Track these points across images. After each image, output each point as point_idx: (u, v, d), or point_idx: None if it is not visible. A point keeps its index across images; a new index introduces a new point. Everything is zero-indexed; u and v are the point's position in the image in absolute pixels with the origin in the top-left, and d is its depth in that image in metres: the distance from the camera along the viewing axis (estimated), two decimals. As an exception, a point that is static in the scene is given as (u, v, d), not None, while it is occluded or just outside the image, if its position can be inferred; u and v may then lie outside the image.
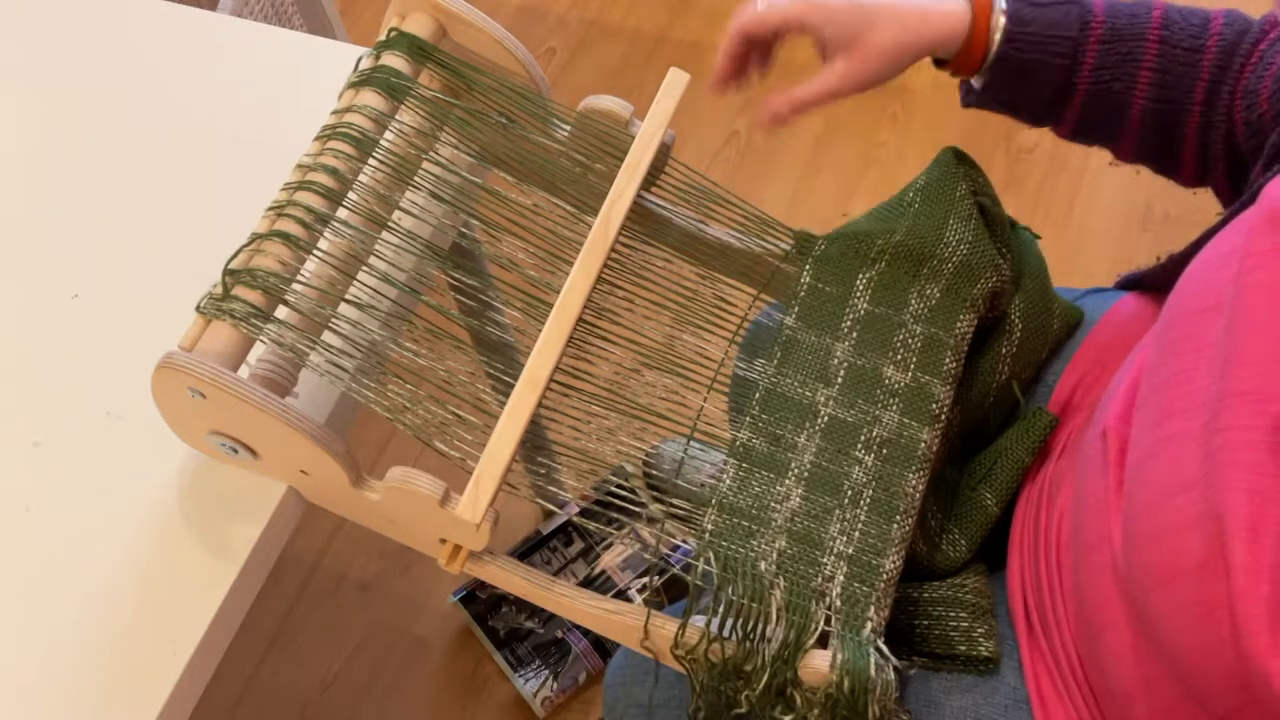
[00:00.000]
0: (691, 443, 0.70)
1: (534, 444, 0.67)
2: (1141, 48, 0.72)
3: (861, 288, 0.76)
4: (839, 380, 0.73)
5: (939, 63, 0.77)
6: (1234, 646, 0.51)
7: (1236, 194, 0.74)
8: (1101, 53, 0.73)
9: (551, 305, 0.66)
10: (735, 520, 0.67)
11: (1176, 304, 0.62)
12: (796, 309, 0.75)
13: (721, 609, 0.62)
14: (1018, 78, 0.74)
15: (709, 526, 0.67)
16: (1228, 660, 0.52)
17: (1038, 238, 0.84)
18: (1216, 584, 0.52)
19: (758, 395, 0.72)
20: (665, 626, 0.65)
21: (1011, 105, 0.77)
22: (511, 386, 0.65)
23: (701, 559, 0.65)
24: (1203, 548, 0.52)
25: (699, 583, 0.64)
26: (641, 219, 0.77)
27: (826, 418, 0.71)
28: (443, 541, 0.68)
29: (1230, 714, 0.55)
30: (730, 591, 0.64)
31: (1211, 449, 0.53)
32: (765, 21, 0.74)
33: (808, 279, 0.76)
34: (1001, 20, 0.73)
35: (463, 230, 0.76)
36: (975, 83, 0.76)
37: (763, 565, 0.65)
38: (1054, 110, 0.76)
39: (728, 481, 0.69)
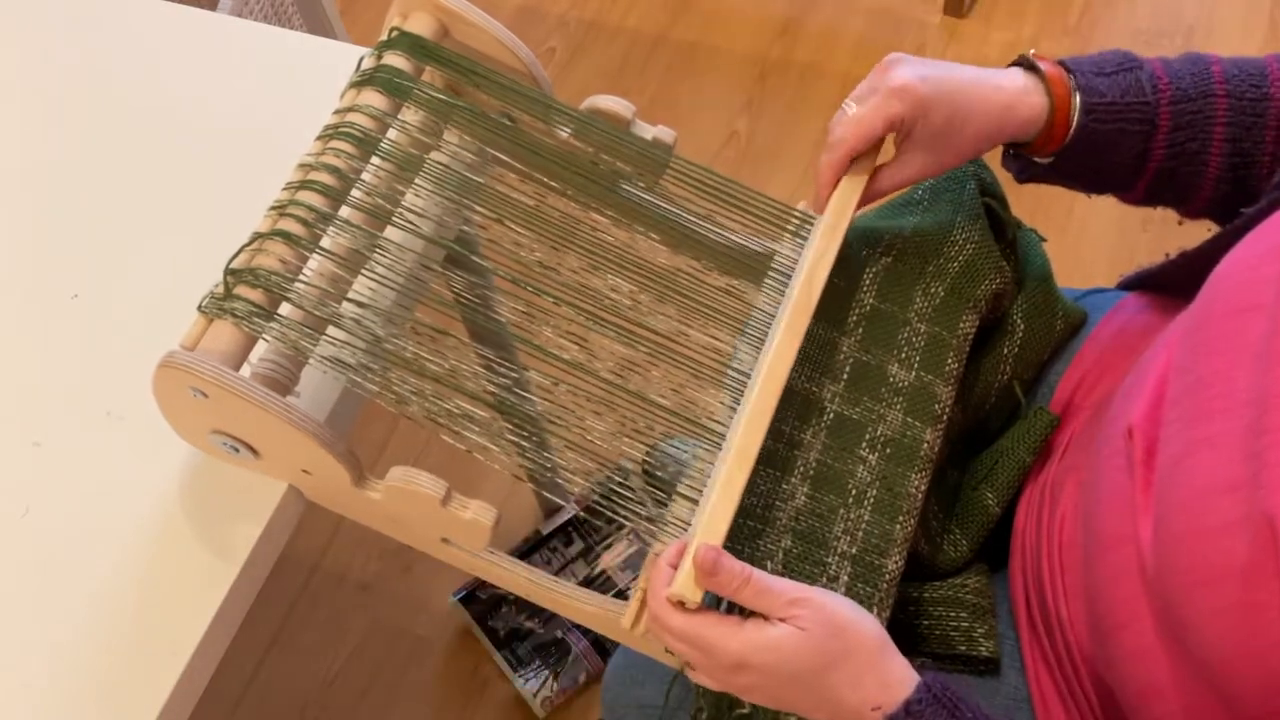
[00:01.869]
0: (692, 441, 0.69)
1: (538, 440, 0.67)
2: (1211, 105, 0.72)
3: (868, 282, 0.75)
4: (845, 376, 0.72)
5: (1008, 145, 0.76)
6: None
7: None
8: (1175, 114, 0.72)
9: (555, 296, 0.66)
10: (741, 520, 0.67)
11: (1208, 304, 0.61)
12: None
13: (724, 608, 0.62)
14: (1096, 149, 0.73)
15: None
16: (1275, 662, 0.52)
17: (1044, 240, 0.84)
18: (1266, 586, 0.51)
19: None
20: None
21: (1081, 177, 0.76)
22: (511, 378, 0.64)
23: None
24: (1249, 549, 0.52)
25: None
26: (643, 217, 0.77)
27: (832, 414, 0.71)
28: (444, 541, 0.68)
29: (1265, 717, 0.54)
30: None
31: (1258, 449, 0.53)
32: (871, 134, 0.71)
33: None
34: (1077, 97, 0.72)
35: (464, 228, 0.76)
36: (1043, 159, 0.75)
37: (768, 565, 0.65)
38: (1128, 177, 0.75)
39: None
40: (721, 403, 0.68)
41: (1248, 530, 0.52)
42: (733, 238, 0.75)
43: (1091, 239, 1.66)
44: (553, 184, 0.74)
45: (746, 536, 0.66)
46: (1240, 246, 0.62)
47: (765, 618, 0.59)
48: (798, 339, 0.67)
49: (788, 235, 0.73)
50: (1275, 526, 0.51)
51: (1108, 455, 0.66)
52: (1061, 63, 0.73)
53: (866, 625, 0.60)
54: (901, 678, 0.59)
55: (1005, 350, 0.79)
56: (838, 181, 0.72)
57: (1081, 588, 0.67)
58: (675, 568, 0.60)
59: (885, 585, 0.66)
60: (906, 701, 0.58)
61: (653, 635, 0.63)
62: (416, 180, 0.72)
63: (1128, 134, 0.72)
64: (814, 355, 0.73)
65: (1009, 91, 0.72)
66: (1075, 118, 0.72)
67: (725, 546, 0.65)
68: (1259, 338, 0.56)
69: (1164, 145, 0.73)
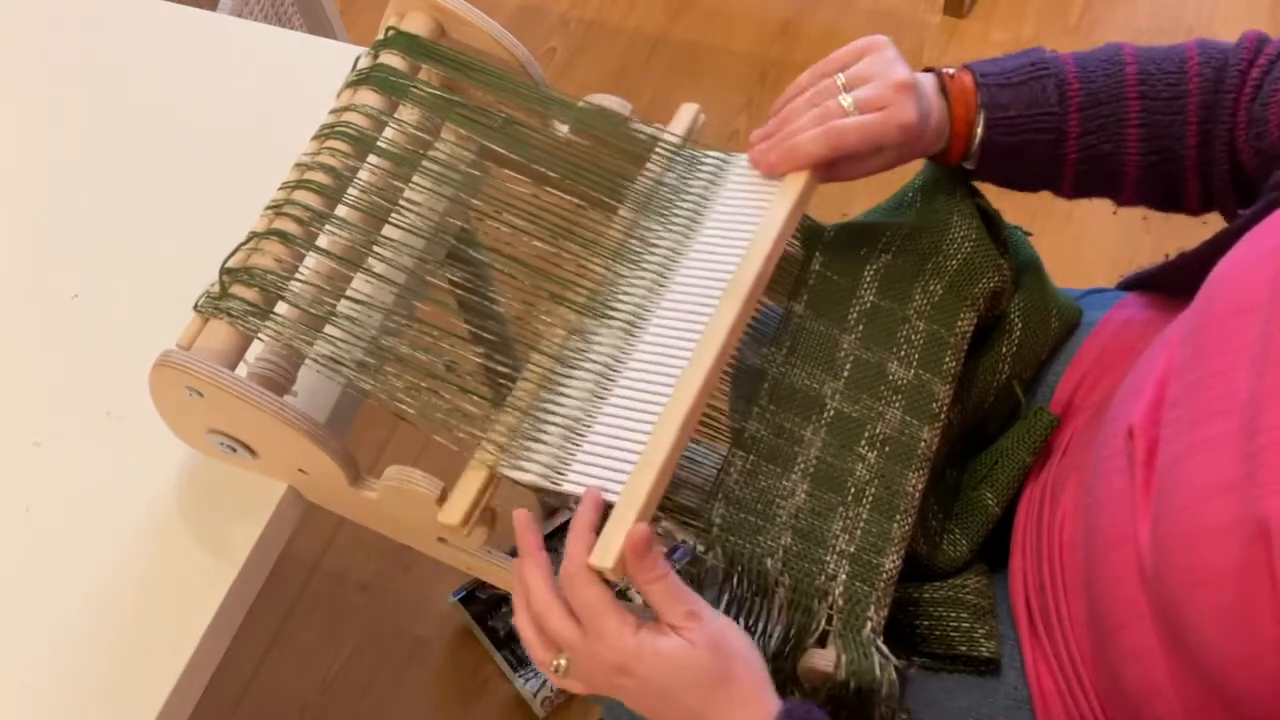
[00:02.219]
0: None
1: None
2: (1123, 107, 0.72)
3: (868, 279, 0.75)
4: (845, 373, 0.72)
5: None
6: (1277, 651, 0.51)
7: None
8: (1084, 120, 0.73)
9: (551, 291, 0.66)
10: (742, 515, 0.67)
11: (1208, 305, 0.61)
12: (806, 296, 0.75)
13: (724, 604, 0.62)
14: (1007, 159, 0.75)
15: (717, 520, 0.66)
16: (1270, 664, 0.52)
17: (1029, 235, 0.84)
18: (1259, 587, 0.51)
19: (766, 384, 0.71)
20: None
21: (1006, 181, 0.78)
22: (509, 375, 0.64)
23: (710, 553, 0.65)
24: (1242, 550, 0.52)
25: (702, 574, 0.64)
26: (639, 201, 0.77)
27: (833, 412, 0.71)
28: (441, 540, 0.68)
29: (1265, 717, 0.54)
30: (735, 585, 0.63)
31: (1252, 450, 0.53)
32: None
33: (818, 266, 0.76)
34: (980, 114, 0.73)
35: (463, 225, 0.76)
36: (969, 164, 0.77)
37: (769, 562, 0.65)
38: (1050, 180, 0.77)
39: (734, 474, 0.68)
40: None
41: (1243, 531, 0.52)
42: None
43: (1091, 239, 1.66)
44: (550, 174, 0.73)
45: (748, 532, 0.66)
46: (1239, 247, 0.62)
47: (656, 624, 0.58)
48: (748, 309, 0.66)
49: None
50: (1269, 527, 0.51)
51: (1108, 456, 0.66)
52: (973, 74, 0.74)
53: (754, 662, 0.59)
54: (772, 711, 0.58)
55: (1004, 349, 0.79)
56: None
57: (1082, 587, 0.67)
58: (594, 530, 0.59)
59: (883, 584, 0.66)
60: None
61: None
62: (414, 177, 0.72)
63: (1035, 143, 0.73)
64: (815, 351, 0.73)
65: (935, 125, 0.73)
66: (978, 132, 0.73)
67: (728, 540, 0.65)
68: (1255, 338, 0.56)
69: (1075, 150, 0.74)
